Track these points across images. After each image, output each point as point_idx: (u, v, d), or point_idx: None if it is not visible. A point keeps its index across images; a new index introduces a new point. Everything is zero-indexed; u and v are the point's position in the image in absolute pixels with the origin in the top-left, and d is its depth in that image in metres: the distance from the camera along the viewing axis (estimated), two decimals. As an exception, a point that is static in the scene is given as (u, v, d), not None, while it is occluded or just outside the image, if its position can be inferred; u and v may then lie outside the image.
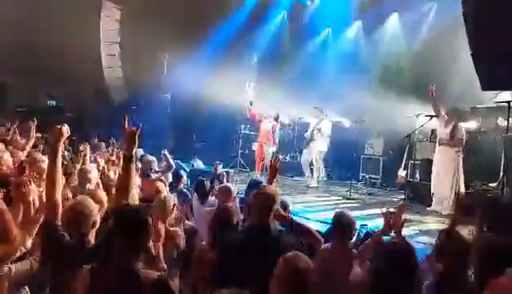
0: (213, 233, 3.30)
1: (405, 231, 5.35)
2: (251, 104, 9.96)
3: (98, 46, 12.60)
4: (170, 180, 6.07)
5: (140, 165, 5.71)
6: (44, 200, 2.73)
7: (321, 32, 12.25)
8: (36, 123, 6.60)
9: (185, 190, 5.80)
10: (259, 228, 2.88)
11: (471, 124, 7.84)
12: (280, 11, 12.78)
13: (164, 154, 6.74)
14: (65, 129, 2.75)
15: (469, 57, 6.42)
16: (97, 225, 2.63)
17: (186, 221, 4.52)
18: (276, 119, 9.95)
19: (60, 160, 2.73)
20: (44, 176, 3.61)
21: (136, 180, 3.94)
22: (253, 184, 4.89)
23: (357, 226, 3.88)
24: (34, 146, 6.52)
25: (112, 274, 2.09)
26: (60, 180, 2.74)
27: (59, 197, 2.65)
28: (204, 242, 3.70)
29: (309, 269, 2.15)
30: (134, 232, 2.14)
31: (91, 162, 5.06)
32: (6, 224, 2.63)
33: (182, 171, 6.63)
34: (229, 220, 3.29)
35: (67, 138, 2.85)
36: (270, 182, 3.45)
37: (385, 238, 2.93)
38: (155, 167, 6.31)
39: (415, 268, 2.30)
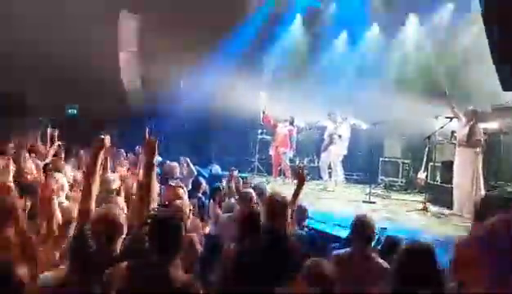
0: (241, 236, 3.28)
1: (426, 234, 5.31)
2: (263, 112, 9.96)
3: (117, 55, 12.81)
4: (190, 186, 6.10)
5: (159, 171, 5.76)
6: (76, 212, 2.77)
7: (337, 35, 12.19)
8: (57, 132, 6.77)
9: (203, 197, 5.83)
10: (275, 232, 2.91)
11: (492, 125, 7.69)
12: (295, 15, 12.77)
13: (186, 161, 6.83)
14: (107, 139, 2.80)
15: (490, 57, 6.31)
16: (124, 234, 2.63)
17: (206, 227, 4.54)
18: (292, 123, 9.93)
19: (98, 169, 2.78)
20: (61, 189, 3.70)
21: (156, 188, 3.96)
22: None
23: (377, 230, 3.84)
24: (55, 155, 6.66)
25: (147, 275, 2.20)
26: (96, 189, 2.77)
27: (93, 205, 2.69)
28: (226, 247, 3.69)
29: (332, 275, 2.16)
30: (168, 238, 2.27)
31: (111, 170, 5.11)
32: (32, 252, 2.66)
33: (201, 178, 6.67)
34: (256, 224, 3.27)
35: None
36: (297, 192, 3.53)
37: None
38: (177, 173, 6.38)
39: (435, 268, 2.28)
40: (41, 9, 10.89)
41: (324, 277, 2.17)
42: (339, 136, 9.09)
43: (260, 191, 4.75)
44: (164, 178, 5.80)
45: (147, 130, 2.73)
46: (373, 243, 3.44)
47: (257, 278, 2.60)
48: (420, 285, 2.23)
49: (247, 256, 2.83)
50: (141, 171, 2.89)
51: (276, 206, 3.04)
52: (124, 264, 2.26)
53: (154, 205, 2.78)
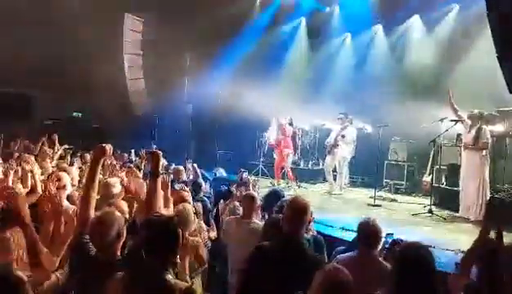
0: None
1: (432, 238, 5.28)
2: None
3: (122, 58, 12.88)
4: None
5: (165, 175, 5.75)
6: (74, 217, 2.76)
7: (341, 37, 12.17)
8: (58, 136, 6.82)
9: (205, 198, 5.81)
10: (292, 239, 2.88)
11: (498, 127, 7.65)
12: (298, 18, 12.77)
13: (192, 165, 6.85)
14: (108, 148, 2.77)
15: (495, 59, 6.26)
16: (124, 237, 2.61)
17: (211, 231, 4.54)
18: (291, 124, 9.90)
19: (97, 178, 2.76)
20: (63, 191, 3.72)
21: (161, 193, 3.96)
22: (274, 194, 4.85)
23: (383, 234, 3.82)
24: (62, 157, 6.71)
25: (142, 284, 2.14)
26: (95, 196, 2.76)
27: (92, 212, 2.67)
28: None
29: (349, 282, 2.15)
30: (164, 243, 2.22)
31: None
32: (35, 247, 2.65)
33: (203, 180, 6.66)
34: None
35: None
36: None
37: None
38: (184, 176, 6.39)
39: (431, 269, 2.28)
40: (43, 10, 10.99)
41: (339, 284, 2.15)
42: (343, 136, 9.05)
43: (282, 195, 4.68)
44: (170, 182, 5.78)
45: (152, 144, 2.73)
46: (379, 247, 3.42)
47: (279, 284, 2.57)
48: (416, 288, 2.23)
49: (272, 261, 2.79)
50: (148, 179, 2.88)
51: (300, 209, 2.97)
52: (119, 276, 2.21)
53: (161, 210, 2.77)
